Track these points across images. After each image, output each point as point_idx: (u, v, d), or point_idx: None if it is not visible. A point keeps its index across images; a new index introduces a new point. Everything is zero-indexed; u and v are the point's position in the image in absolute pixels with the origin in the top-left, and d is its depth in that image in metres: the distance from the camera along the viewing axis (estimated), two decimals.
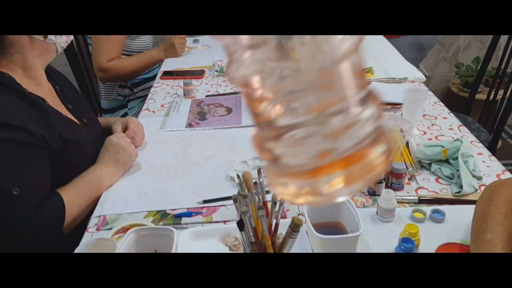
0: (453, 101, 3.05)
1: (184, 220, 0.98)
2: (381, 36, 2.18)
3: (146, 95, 1.69)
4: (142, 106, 1.57)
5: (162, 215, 0.99)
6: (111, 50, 1.90)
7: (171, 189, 1.09)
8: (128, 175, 1.15)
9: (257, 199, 0.67)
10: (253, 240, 0.66)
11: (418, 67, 2.44)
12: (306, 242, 0.86)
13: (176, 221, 0.97)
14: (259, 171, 0.67)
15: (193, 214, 0.99)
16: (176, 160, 1.21)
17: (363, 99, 0.31)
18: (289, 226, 0.64)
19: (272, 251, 0.67)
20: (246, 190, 0.66)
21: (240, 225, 0.65)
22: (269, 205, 0.69)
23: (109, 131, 1.28)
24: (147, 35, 2.06)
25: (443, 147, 1.10)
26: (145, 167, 1.18)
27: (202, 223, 0.97)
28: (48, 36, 1.05)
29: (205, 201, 1.03)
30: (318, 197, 0.31)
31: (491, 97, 2.06)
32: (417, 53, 2.45)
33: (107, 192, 1.08)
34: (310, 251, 0.84)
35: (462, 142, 1.09)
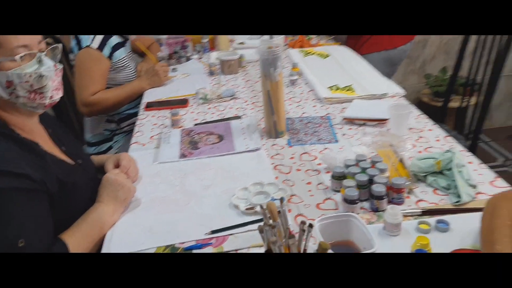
0: (425, 111, 3.14)
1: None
2: (355, 55, 2.24)
3: (132, 130, 1.66)
4: (131, 140, 1.55)
5: (171, 249, 0.98)
6: (94, 84, 1.88)
7: (175, 222, 1.08)
8: (129, 211, 1.14)
9: (282, 228, 0.68)
10: None
11: None
12: None
13: None
14: (281, 200, 0.68)
15: (202, 246, 0.99)
16: (175, 192, 1.20)
17: None
18: (316, 251, 0.65)
19: None
20: (271, 220, 0.67)
21: None
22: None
23: (102, 170, 1.26)
24: (131, 67, 2.04)
25: (436, 158, 1.14)
26: (145, 202, 1.17)
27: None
28: None
29: (213, 232, 1.02)
30: None
31: (464, 104, 2.15)
32: (388, 68, 2.52)
33: (111, 231, 1.06)
34: None
35: (454, 153, 1.13)
